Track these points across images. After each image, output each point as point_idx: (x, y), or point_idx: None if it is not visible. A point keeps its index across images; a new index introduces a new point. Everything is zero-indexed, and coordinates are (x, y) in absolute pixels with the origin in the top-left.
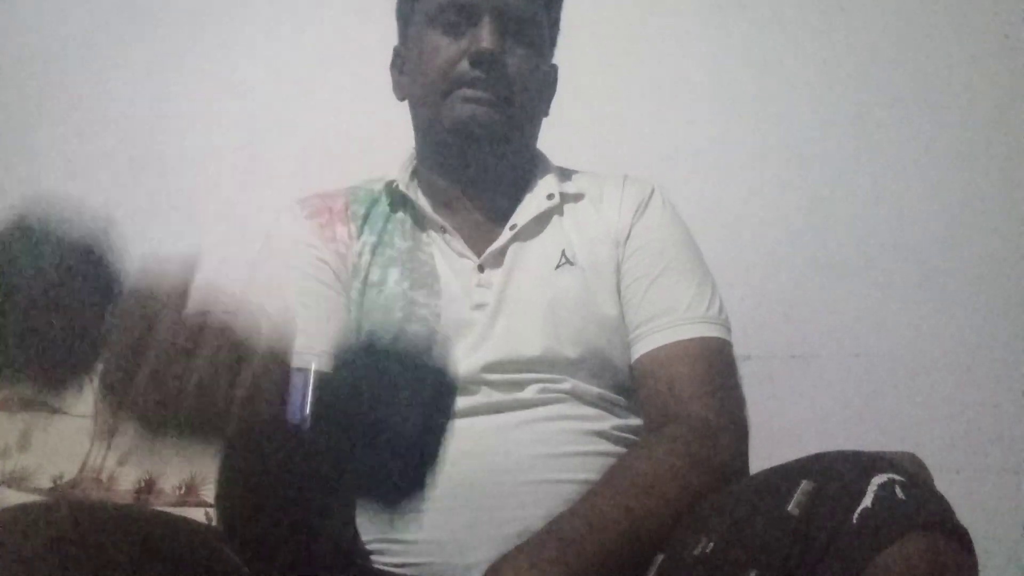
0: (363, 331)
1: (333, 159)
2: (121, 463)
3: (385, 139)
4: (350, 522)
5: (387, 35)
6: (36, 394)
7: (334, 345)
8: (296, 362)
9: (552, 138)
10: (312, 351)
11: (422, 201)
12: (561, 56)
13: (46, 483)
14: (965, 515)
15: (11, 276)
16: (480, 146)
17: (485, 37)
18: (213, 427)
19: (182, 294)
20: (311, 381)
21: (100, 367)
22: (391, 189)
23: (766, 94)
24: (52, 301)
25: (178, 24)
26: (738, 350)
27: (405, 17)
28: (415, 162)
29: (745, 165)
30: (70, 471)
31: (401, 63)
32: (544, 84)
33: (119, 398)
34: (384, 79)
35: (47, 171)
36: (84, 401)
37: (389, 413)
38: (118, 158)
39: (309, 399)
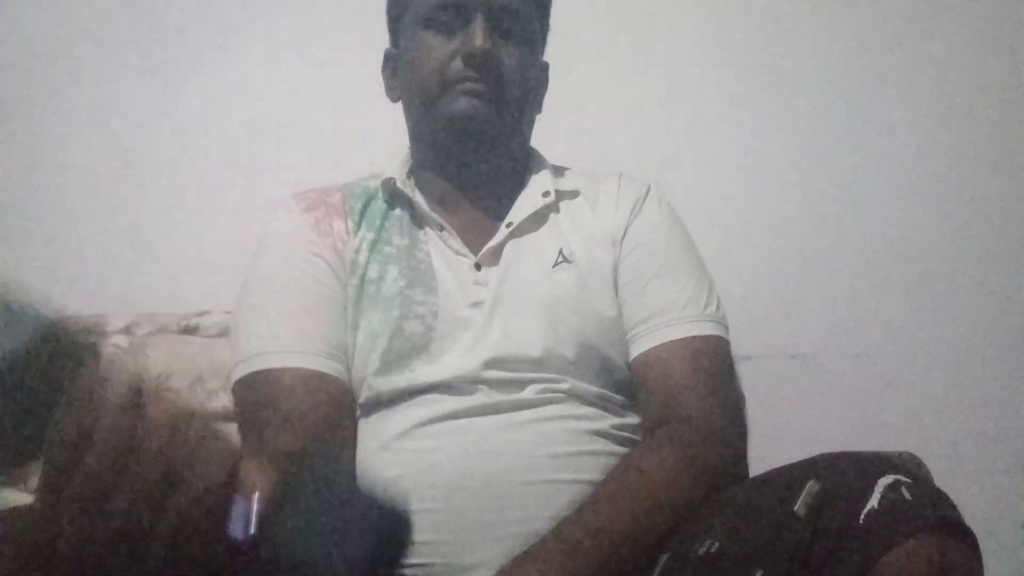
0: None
1: (332, 159)
2: None
3: (383, 138)
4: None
5: (385, 34)
6: None
7: (280, 474)
8: (292, 361)
9: (552, 138)
10: (308, 350)
11: (419, 199)
12: (561, 56)
13: None
14: (965, 515)
15: None
16: (476, 141)
17: (477, 36)
18: (139, 551)
19: (127, 405)
20: (255, 506)
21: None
22: (388, 186)
23: (766, 94)
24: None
25: (177, 24)
26: (738, 350)
27: (396, 19)
28: (411, 161)
29: (745, 165)
30: None
31: (393, 66)
32: (536, 81)
33: (55, 495)
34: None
35: (47, 171)
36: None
37: (333, 554)
38: (117, 158)
39: (254, 522)
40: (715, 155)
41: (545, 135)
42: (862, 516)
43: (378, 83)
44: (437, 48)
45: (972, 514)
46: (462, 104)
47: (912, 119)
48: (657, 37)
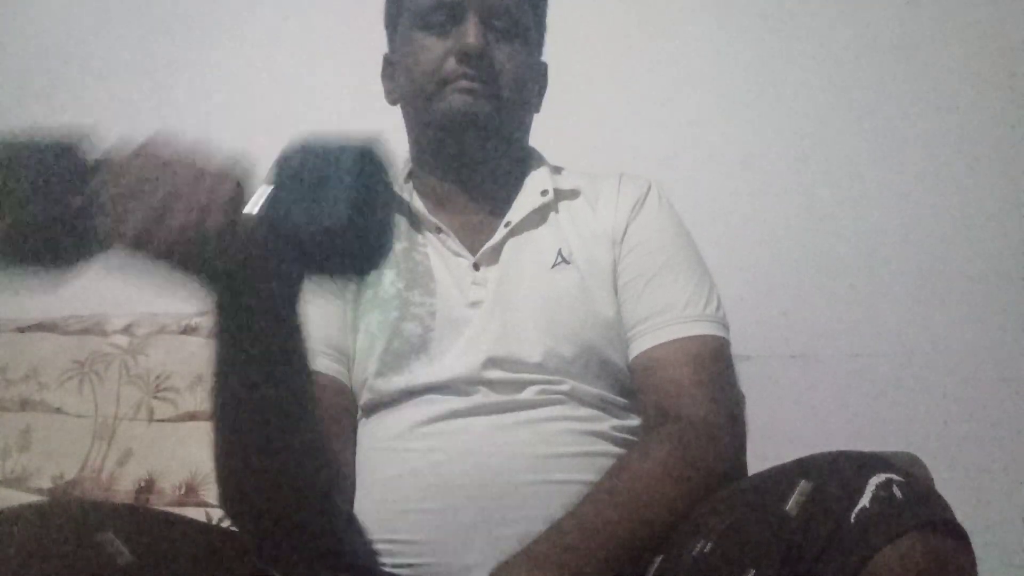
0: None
1: None
2: (121, 463)
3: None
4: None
5: (383, 36)
6: (39, 271)
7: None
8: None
9: (552, 138)
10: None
11: (417, 203)
12: (561, 56)
13: (46, 483)
14: (965, 515)
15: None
16: (472, 139)
17: (470, 34)
18: (191, 242)
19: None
20: (263, 196)
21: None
22: None
23: (766, 94)
24: (34, 191)
25: (178, 24)
26: (738, 350)
27: (392, 23)
28: (410, 165)
29: (745, 165)
30: (70, 471)
31: (392, 71)
32: (532, 79)
33: (113, 231)
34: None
35: None
36: (84, 401)
37: (330, 201)
38: None
39: (261, 205)
40: (715, 155)
41: (544, 135)
42: (854, 515)
43: (377, 85)
44: (431, 48)
45: (972, 514)
46: (457, 101)
47: (912, 119)
48: (657, 37)
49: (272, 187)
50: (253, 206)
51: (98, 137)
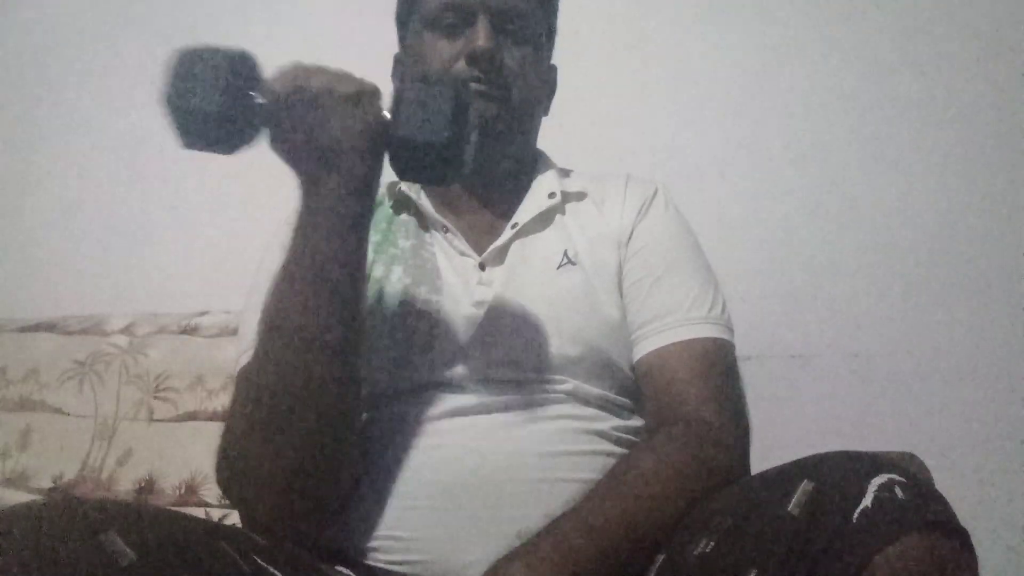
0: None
1: None
2: (121, 463)
3: None
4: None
5: (388, 35)
6: (212, 149)
7: None
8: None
9: (554, 139)
10: None
11: (424, 202)
12: (562, 57)
13: (46, 483)
14: (965, 515)
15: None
16: (481, 141)
17: (481, 36)
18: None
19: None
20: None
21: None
22: (394, 191)
23: (766, 94)
24: (217, 84)
25: (179, 23)
26: (738, 350)
27: (403, 23)
28: None
29: (745, 165)
30: (70, 471)
31: (402, 71)
32: (542, 82)
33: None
34: (387, 79)
35: (47, 171)
36: (84, 401)
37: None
38: (117, 157)
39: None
40: (715, 155)
41: (547, 136)
42: (855, 515)
43: (385, 84)
44: (442, 49)
45: (972, 514)
46: None
47: (912, 119)
48: (658, 38)
49: (393, 108)
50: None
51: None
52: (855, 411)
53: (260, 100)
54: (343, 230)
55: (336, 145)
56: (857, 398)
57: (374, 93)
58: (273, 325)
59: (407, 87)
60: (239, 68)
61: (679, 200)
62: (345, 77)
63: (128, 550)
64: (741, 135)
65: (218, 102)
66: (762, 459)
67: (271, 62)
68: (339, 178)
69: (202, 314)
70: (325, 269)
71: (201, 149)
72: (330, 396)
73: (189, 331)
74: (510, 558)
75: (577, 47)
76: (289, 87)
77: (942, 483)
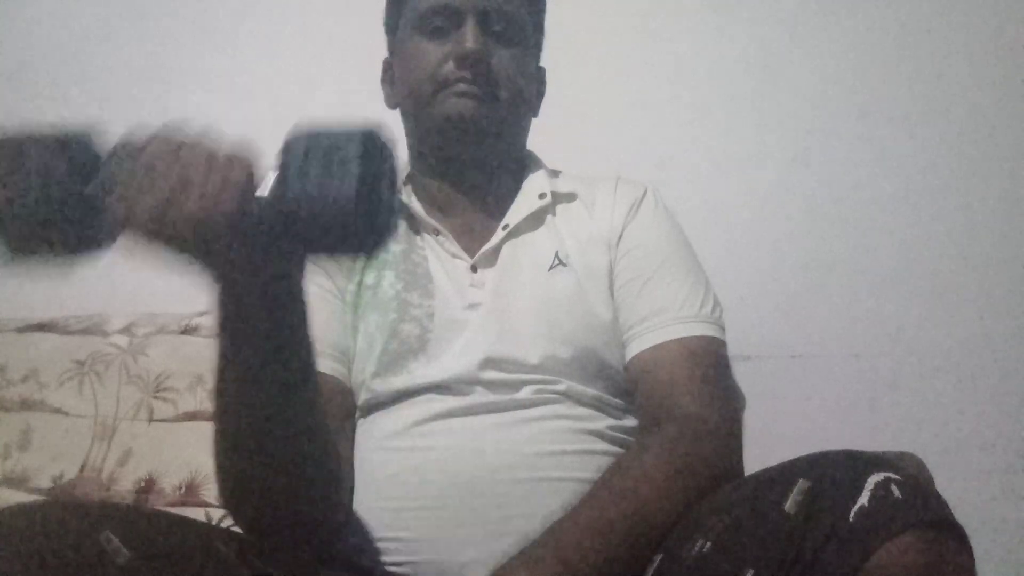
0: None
1: None
2: (121, 463)
3: None
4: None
5: (383, 40)
6: (52, 261)
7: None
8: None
9: (550, 140)
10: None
11: (415, 205)
12: (559, 58)
13: (46, 483)
14: (965, 515)
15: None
16: (470, 142)
17: (469, 38)
18: (199, 224)
19: (159, 134)
20: (271, 181)
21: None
22: None
23: (766, 94)
24: (43, 182)
25: (180, 23)
26: (738, 350)
27: (392, 28)
28: (408, 168)
29: (745, 165)
30: (70, 471)
31: (391, 75)
32: (531, 83)
33: (126, 218)
34: (377, 84)
35: None
36: (84, 401)
37: (336, 182)
38: None
39: (270, 189)
40: (715, 155)
41: (542, 137)
42: (852, 514)
43: (376, 87)
44: (430, 52)
45: (972, 514)
46: (455, 105)
47: (912, 119)
48: (657, 37)
49: (278, 171)
50: (263, 191)
51: (103, 132)
52: (855, 411)
53: (92, 191)
54: (248, 332)
55: (201, 231)
56: (857, 398)
57: (241, 155)
58: (224, 430)
59: (294, 139)
60: (75, 153)
61: (678, 199)
62: (199, 143)
63: (125, 550)
64: (741, 135)
65: (43, 201)
66: (762, 459)
67: (268, 63)
68: (219, 271)
69: (202, 314)
70: (248, 372)
71: (36, 258)
72: (301, 441)
73: (189, 331)
74: (512, 563)
75: (571, 48)
76: (135, 166)
77: (942, 483)
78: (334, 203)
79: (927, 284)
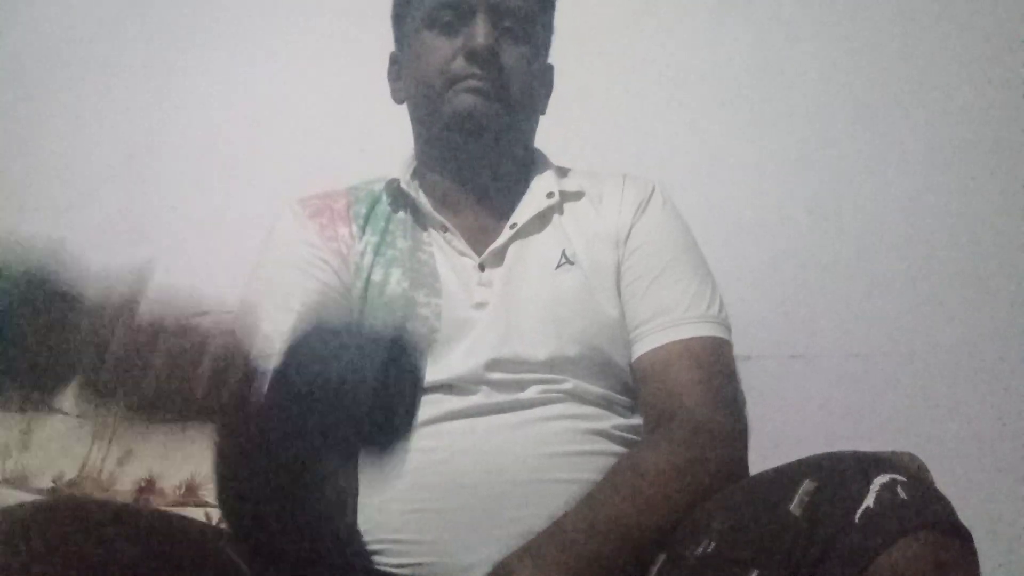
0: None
1: (335, 158)
2: (121, 463)
3: (387, 139)
4: (350, 522)
5: (387, 34)
6: (25, 400)
7: (289, 335)
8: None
9: (553, 139)
10: None
11: (423, 200)
12: (562, 56)
13: (46, 483)
14: (965, 515)
15: None
16: (479, 139)
17: (479, 34)
18: (183, 411)
19: (135, 302)
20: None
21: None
22: (393, 188)
23: (766, 94)
24: (16, 321)
25: (180, 22)
26: (738, 350)
27: (400, 22)
28: (416, 162)
29: (745, 165)
30: (70, 471)
31: (398, 69)
32: (540, 81)
33: (97, 398)
34: (384, 79)
35: (47, 170)
36: (84, 401)
37: (343, 407)
38: (117, 157)
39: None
40: (715, 155)
41: (546, 135)
42: (858, 515)
43: (383, 82)
44: (440, 47)
45: (972, 514)
46: (465, 101)
47: (912, 119)
48: (659, 37)
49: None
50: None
51: (69, 251)
52: (855, 411)
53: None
54: None
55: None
56: (857, 398)
57: (235, 346)
58: None
59: (301, 329)
60: (55, 310)
61: (679, 199)
62: (192, 326)
63: (125, 550)
64: (741, 134)
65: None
66: (762, 459)
67: (269, 64)
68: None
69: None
70: None
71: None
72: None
73: None
74: (516, 557)
75: (578, 47)
76: (126, 349)
77: (942, 483)
78: (353, 404)
79: (927, 284)
